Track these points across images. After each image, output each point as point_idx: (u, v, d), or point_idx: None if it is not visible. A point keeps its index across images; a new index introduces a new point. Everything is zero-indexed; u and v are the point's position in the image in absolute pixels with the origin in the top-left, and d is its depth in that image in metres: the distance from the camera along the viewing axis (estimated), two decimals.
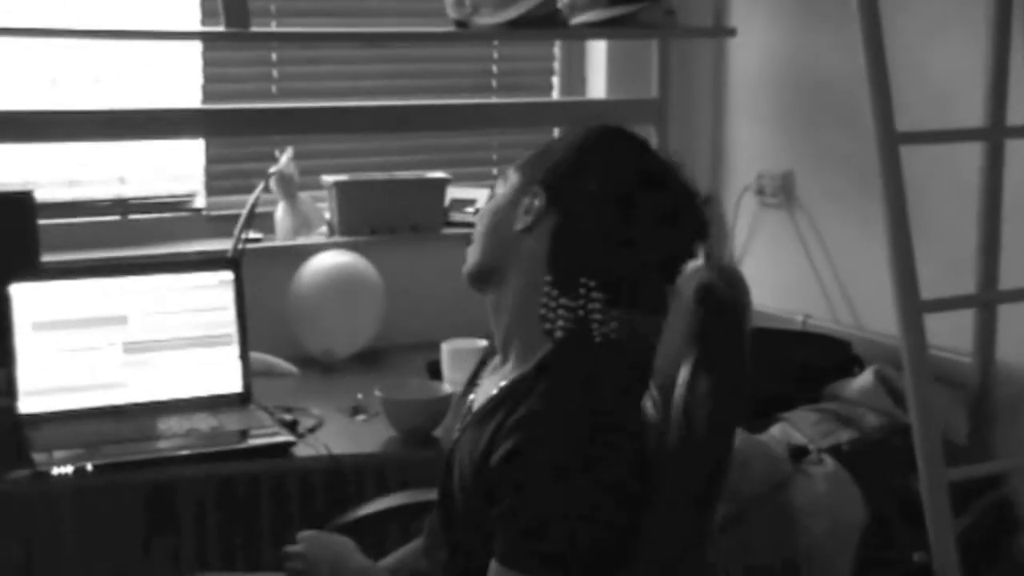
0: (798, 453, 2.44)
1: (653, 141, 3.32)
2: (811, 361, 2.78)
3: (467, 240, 1.78)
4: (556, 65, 3.48)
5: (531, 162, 1.74)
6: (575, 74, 3.48)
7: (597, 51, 3.43)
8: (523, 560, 1.56)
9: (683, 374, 1.63)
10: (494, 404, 1.69)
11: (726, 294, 1.65)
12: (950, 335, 2.61)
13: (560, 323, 1.65)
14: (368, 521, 2.16)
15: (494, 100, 3.40)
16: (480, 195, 3.22)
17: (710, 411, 1.60)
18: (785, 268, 3.19)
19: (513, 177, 1.74)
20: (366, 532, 2.06)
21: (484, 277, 1.73)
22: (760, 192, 3.25)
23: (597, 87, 3.44)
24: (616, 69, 3.40)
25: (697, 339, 1.63)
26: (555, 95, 3.48)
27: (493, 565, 1.58)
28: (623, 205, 1.64)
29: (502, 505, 1.58)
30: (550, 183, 1.68)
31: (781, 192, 3.19)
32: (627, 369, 1.68)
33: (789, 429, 2.53)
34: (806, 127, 3.16)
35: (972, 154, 2.58)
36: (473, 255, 1.74)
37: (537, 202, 1.67)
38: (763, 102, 3.28)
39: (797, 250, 3.16)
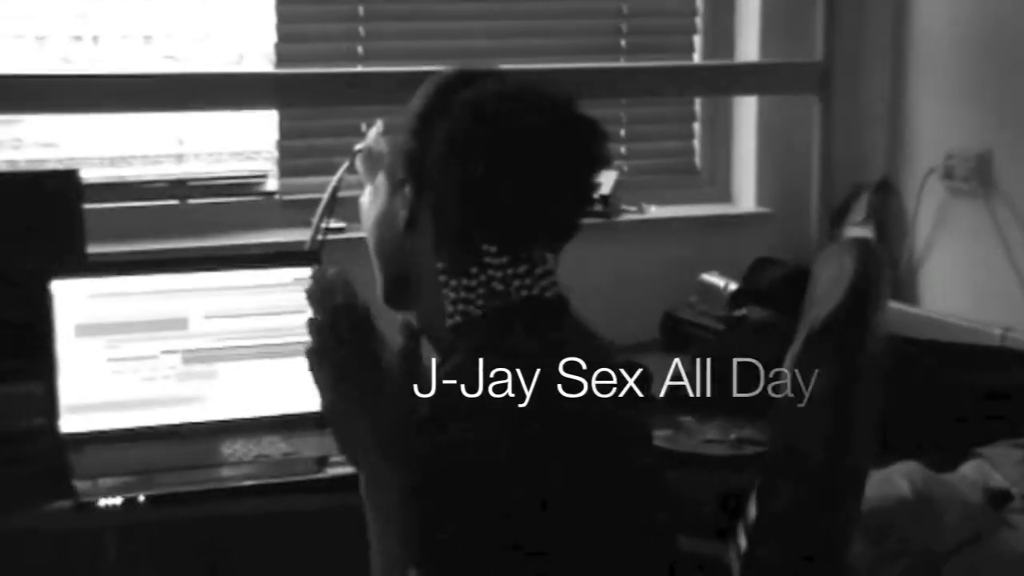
0: (999, 498, 2.41)
1: (816, 113, 3.31)
2: (1012, 385, 2.75)
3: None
4: (698, 21, 3.48)
5: (392, 159, 1.83)
6: (722, 32, 3.47)
7: (749, 4, 3.43)
8: None
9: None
10: None
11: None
12: None
13: (461, 307, 1.72)
14: None
15: (623, 64, 3.41)
16: (606, 178, 3.18)
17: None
18: (979, 269, 3.18)
19: (381, 181, 1.85)
20: None
21: (397, 293, 1.84)
22: (949, 176, 3.23)
23: (749, 48, 3.44)
24: (772, 26, 3.40)
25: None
26: (697, 58, 3.48)
27: None
28: (476, 150, 1.70)
29: None
30: (408, 166, 1.77)
31: (975, 176, 3.17)
32: (522, 342, 1.70)
33: (986, 468, 2.49)
34: (1007, 98, 3.13)
35: None
36: (377, 277, 1.86)
37: (406, 191, 1.77)
38: (954, 67, 3.25)
39: (995, 247, 3.13)
